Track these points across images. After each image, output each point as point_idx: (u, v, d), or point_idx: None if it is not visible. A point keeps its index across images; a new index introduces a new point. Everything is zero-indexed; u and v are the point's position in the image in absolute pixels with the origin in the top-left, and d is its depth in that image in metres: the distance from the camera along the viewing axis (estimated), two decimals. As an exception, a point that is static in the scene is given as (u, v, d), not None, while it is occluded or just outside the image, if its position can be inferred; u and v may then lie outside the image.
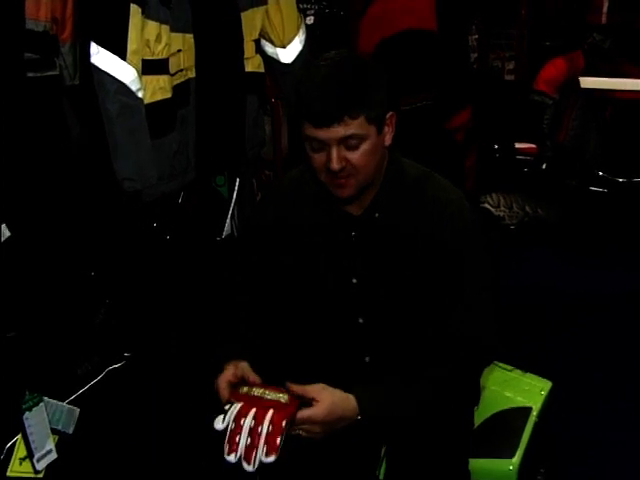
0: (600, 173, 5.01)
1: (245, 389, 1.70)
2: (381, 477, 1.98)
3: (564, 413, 2.84)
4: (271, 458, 1.56)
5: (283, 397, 1.66)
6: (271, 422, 1.58)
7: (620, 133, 5.03)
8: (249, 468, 1.58)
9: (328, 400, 1.67)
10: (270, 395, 1.66)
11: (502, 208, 4.70)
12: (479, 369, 1.95)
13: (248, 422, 1.59)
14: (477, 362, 1.88)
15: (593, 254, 4.59)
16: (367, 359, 1.91)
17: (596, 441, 2.99)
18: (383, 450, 1.99)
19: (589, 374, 3.40)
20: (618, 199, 4.91)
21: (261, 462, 1.56)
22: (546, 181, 5.01)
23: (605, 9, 5.20)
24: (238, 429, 1.60)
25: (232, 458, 1.58)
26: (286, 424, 1.59)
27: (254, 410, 1.61)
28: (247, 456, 1.57)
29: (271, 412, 1.60)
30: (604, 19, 5.21)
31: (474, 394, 2.04)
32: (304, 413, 1.65)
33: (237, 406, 1.64)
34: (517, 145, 5.03)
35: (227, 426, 1.60)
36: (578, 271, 4.40)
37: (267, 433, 1.57)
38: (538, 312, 3.94)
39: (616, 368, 3.47)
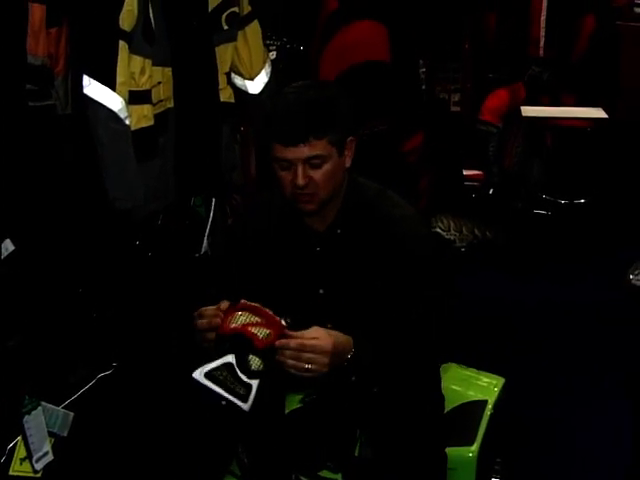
0: (544, 196, 5.25)
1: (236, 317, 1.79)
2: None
3: (517, 409, 3.03)
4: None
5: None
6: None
7: (561, 158, 5.20)
8: None
9: (325, 331, 1.84)
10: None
11: (452, 232, 4.81)
12: (434, 358, 2.11)
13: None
14: (432, 352, 2.05)
15: (539, 272, 4.77)
16: None
17: (547, 434, 3.19)
18: (358, 432, 2.14)
19: (538, 374, 3.62)
20: (561, 220, 5.16)
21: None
22: (493, 205, 5.17)
23: (542, 43, 5.44)
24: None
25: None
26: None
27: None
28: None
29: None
30: (541, 52, 5.44)
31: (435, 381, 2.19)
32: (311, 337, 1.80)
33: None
34: (465, 172, 5.22)
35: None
36: (525, 287, 4.55)
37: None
38: (490, 325, 4.15)
39: (562, 368, 3.71)
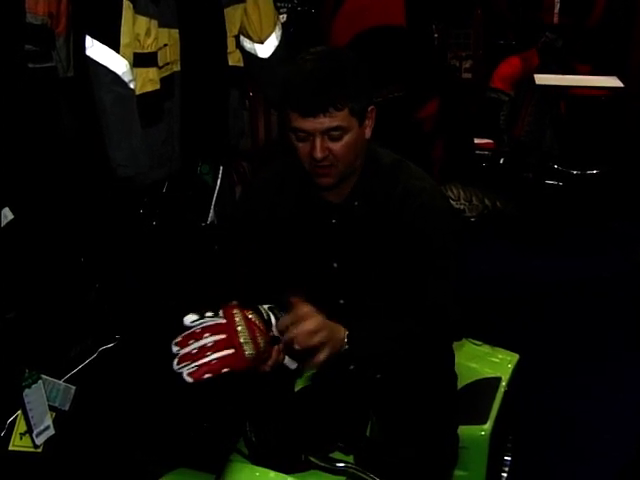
0: (555, 166, 5.20)
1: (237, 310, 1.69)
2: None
3: (529, 386, 3.00)
4: (189, 379, 1.58)
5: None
6: (217, 359, 1.61)
7: (574, 128, 5.17)
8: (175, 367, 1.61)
9: (318, 316, 1.72)
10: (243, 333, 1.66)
11: (462, 201, 4.78)
12: (445, 333, 2.00)
13: (205, 341, 1.62)
14: (443, 327, 1.93)
15: (548, 244, 4.77)
16: None
17: (559, 412, 3.18)
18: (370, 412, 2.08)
19: (550, 351, 3.60)
20: (573, 191, 5.11)
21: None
22: (504, 175, 5.14)
23: (557, 9, 5.35)
24: (196, 336, 1.63)
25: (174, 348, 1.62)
26: (224, 370, 1.61)
27: (220, 337, 1.63)
28: (181, 359, 1.60)
29: (225, 353, 1.62)
30: (556, 19, 5.35)
31: (448, 358, 2.13)
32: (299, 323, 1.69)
33: (215, 320, 1.65)
34: (476, 141, 5.15)
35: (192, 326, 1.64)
36: (534, 260, 4.57)
37: (206, 362, 1.60)
38: (500, 298, 4.10)
39: (573, 345, 3.70)
